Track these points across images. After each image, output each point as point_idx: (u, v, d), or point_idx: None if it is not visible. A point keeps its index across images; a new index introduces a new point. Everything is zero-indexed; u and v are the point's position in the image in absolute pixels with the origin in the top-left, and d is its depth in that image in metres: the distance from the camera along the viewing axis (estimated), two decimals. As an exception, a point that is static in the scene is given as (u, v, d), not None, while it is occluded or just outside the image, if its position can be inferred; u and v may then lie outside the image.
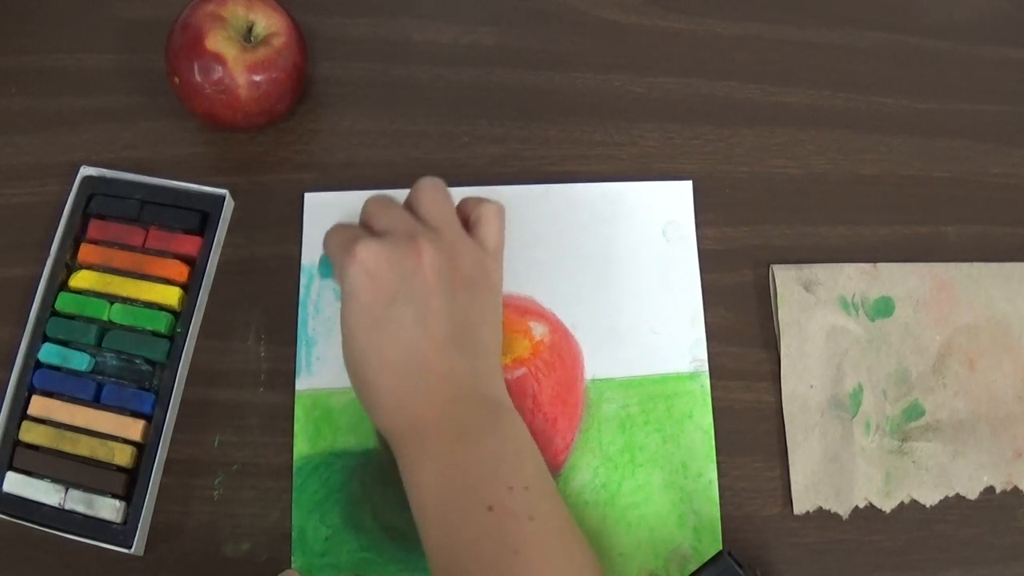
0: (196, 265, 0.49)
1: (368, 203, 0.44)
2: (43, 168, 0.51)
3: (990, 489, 0.49)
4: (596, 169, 0.53)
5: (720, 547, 0.47)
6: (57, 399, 0.47)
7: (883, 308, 0.51)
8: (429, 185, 0.44)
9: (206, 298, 0.49)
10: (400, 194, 0.51)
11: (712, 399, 0.49)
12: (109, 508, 0.45)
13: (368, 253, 0.40)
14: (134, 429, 0.46)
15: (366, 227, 0.43)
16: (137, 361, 0.48)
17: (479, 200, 0.45)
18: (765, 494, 0.48)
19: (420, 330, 0.40)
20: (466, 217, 0.45)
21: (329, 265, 0.50)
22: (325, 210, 0.51)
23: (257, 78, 0.48)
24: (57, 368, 0.47)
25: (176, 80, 0.48)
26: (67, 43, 0.54)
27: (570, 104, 0.55)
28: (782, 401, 0.49)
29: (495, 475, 0.40)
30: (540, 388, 0.48)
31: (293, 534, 0.46)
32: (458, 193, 0.51)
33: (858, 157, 0.55)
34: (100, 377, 0.47)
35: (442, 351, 0.41)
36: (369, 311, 0.40)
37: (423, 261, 0.41)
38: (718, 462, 0.48)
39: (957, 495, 0.49)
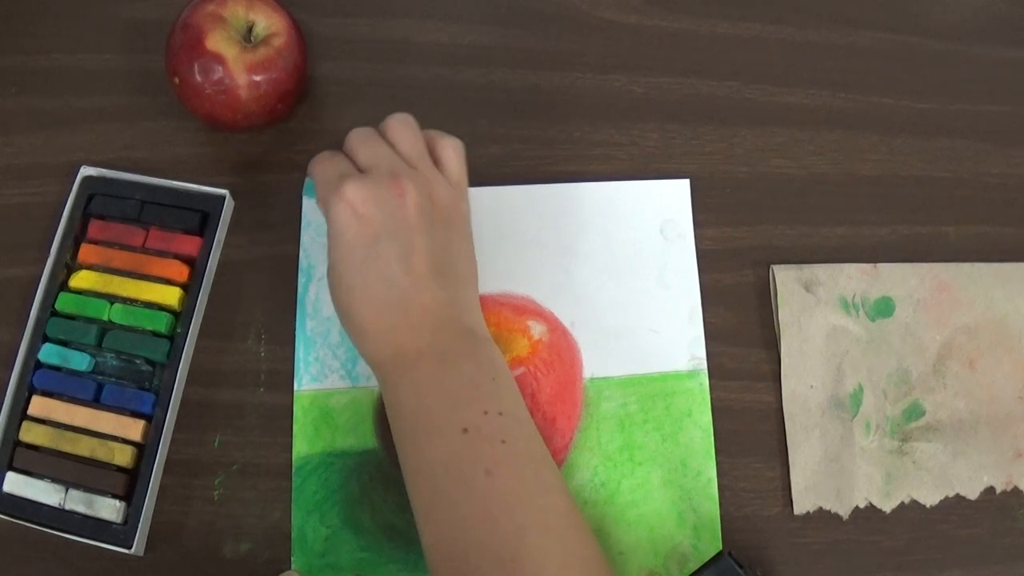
0: (196, 265, 0.49)
1: (352, 136, 0.46)
2: (43, 168, 0.52)
3: (990, 489, 0.49)
4: (596, 169, 0.53)
5: (720, 545, 0.47)
6: (57, 399, 0.47)
7: (883, 308, 0.51)
8: (403, 121, 0.46)
9: (206, 298, 0.49)
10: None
11: (712, 399, 0.49)
12: (109, 508, 0.45)
13: (355, 192, 0.42)
14: (134, 429, 0.46)
15: (349, 157, 0.45)
16: (137, 361, 0.48)
17: (438, 136, 0.47)
18: (765, 494, 0.48)
19: (404, 266, 0.42)
20: (429, 151, 0.47)
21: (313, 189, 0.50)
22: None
23: (257, 78, 0.48)
24: (57, 368, 0.47)
25: (176, 80, 0.48)
26: (67, 43, 0.54)
27: (570, 104, 0.55)
28: (782, 401, 0.49)
29: (471, 399, 0.41)
30: (539, 387, 0.48)
31: (293, 534, 0.46)
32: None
33: (858, 157, 0.55)
34: (100, 377, 0.47)
35: (424, 285, 0.43)
36: (355, 249, 0.42)
37: (406, 200, 0.43)
38: (718, 463, 0.48)
39: (957, 495, 0.49)
